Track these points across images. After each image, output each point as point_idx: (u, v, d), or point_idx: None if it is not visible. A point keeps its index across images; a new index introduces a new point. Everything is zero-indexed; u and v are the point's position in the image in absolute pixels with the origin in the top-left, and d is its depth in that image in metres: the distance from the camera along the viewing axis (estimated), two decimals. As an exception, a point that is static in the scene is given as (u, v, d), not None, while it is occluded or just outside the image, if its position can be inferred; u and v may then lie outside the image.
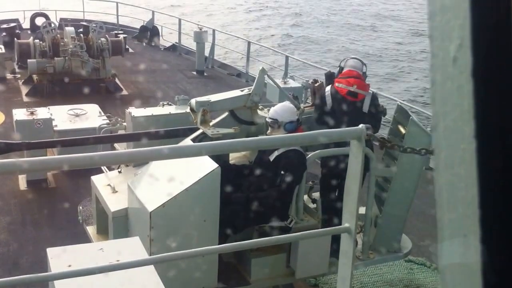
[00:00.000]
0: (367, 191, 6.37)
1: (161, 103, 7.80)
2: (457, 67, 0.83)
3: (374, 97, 7.20)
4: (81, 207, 7.34)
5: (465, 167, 0.84)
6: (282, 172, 5.95)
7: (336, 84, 7.06)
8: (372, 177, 6.42)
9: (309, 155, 6.20)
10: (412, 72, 30.41)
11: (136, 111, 7.36)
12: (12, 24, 20.29)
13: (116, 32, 20.35)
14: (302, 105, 7.20)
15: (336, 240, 5.15)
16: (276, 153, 6.12)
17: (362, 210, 5.95)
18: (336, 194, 6.90)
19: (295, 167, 6.02)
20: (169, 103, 7.83)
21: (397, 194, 6.63)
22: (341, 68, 7.31)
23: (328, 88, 7.13)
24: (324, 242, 6.06)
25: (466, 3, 0.80)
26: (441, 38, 0.85)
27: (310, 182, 6.86)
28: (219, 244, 5.40)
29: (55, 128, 10.15)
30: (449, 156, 0.87)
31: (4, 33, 19.12)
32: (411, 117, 6.39)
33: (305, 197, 6.60)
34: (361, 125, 3.16)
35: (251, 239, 5.51)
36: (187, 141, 6.42)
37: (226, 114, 6.88)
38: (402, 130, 6.61)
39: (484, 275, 0.83)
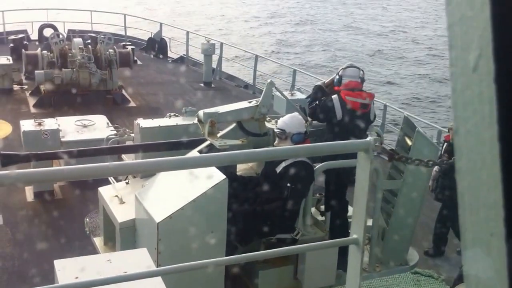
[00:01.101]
0: (374, 204, 6.36)
1: (168, 114, 7.82)
2: (477, 75, 0.84)
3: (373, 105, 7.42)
4: (88, 219, 7.35)
5: (487, 171, 0.85)
6: (288, 184, 5.94)
7: (346, 98, 7.08)
8: (379, 189, 6.40)
9: (317, 167, 6.19)
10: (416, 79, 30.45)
11: (144, 122, 7.38)
12: (20, 35, 20.40)
13: (124, 43, 20.44)
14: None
15: (343, 252, 5.13)
16: (283, 165, 6.11)
17: (368, 222, 5.93)
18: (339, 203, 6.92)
19: (302, 179, 6.01)
20: (176, 114, 7.85)
21: (404, 206, 6.61)
22: (340, 77, 7.32)
23: (336, 99, 7.14)
24: (332, 254, 6.04)
25: (486, 14, 0.81)
26: (461, 48, 0.87)
27: (318, 195, 6.85)
28: (226, 256, 5.39)
29: (62, 139, 10.16)
30: (470, 160, 0.89)
31: (12, 44, 19.20)
32: (417, 129, 6.39)
33: (313, 209, 6.59)
34: (369, 137, 3.16)
35: (258, 251, 5.49)
36: (194, 152, 6.43)
37: (233, 125, 6.89)
38: (409, 142, 6.60)
39: (510, 275, 0.84)
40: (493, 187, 0.84)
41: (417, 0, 61.95)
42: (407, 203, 6.60)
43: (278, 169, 6.14)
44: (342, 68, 7.43)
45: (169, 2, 56.07)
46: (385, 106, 14.23)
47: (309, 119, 7.12)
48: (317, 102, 7.32)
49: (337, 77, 7.34)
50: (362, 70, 7.48)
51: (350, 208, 6.83)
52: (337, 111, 7.06)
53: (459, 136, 0.91)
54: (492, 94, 0.82)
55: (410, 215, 6.66)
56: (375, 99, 7.75)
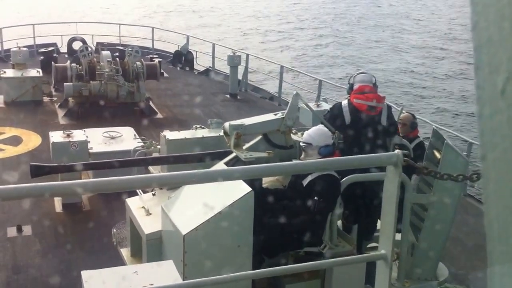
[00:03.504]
0: (403, 218, 6.27)
1: (194, 126, 7.85)
2: (506, 99, 0.81)
3: (389, 109, 7.25)
4: (115, 230, 7.38)
5: None
6: (315, 197, 5.89)
7: (355, 100, 7.04)
8: (408, 203, 6.32)
9: (343, 180, 6.14)
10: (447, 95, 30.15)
11: (171, 134, 7.41)
12: (50, 48, 20.73)
13: (151, 56, 20.62)
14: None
15: (371, 266, 5.07)
16: (309, 178, 6.07)
17: (397, 236, 5.85)
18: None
19: (328, 193, 5.96)
20: (202, 126, 7.87)
21: (435, 221, 6.50)
22: (351, 85, 7.29)
23: (345, 103, 7.11)
24: (359, 269, 5.97)
25: (510, 36, 0.78)
26: (488, 71, 0.84)
27: (344, 208, 6.79)
28: (252, 269, 5.36)
29: (90, 151, 10.25)
30: (499, 188, 0.85)
31: (42, 57, 19.49)
32: (445, 141, 6.30)
33: (340, 222, 6.54)
34: (397, 151, 3.13)
35: (285, 265, 5.45)
36: (221, 165, 6.43)
37: (259, 138, 6.87)
38: (438, 155, 6.51)
39: None
40: None
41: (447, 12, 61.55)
42: (438, 217, 6.49)
43: (305, 182, 6.10)
44: (353, 76, 7.42)
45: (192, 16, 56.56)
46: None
47: (336, 131, 7.08)
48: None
49: (348, 85, 7.33)
50: (374, 76, 7.43)
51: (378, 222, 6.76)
52: (346, 115, 7.00)
53: (486, 162, 0.87)
54: None
55: (441, 230, 6.55)
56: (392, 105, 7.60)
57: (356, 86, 7.19)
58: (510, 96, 0.80)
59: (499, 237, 0.86)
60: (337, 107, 7.17)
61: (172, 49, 23.59)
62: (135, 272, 3.93)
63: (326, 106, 12.60)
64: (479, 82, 0.86)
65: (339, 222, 6.66)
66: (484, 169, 0.87)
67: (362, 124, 6.95)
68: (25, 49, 18.11)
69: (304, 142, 6.30)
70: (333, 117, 7.09)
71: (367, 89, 7.10)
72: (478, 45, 0.84)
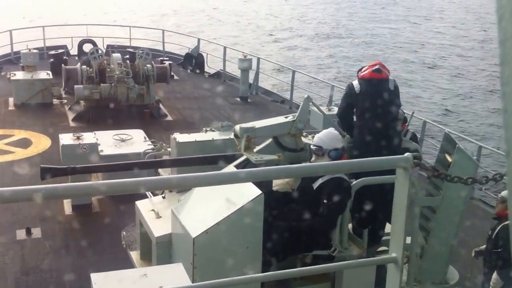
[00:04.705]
0: (412, 221, 6.23)
1: (204, 129, 7.85)
2: None
3: (395, 83, 7.44)
4: (124, 233, 7.38)
5: None
6: (325, 201, 5.87)
7: (361, 73, 7.34)
8: (417, 206, 6.27)
9: (354, 183, 6.11)
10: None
11: (181, 137, 7.41)
12: (60, 50, 20.80)
13: (161, 59, 20.66)
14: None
15: (381, 269, 5.04)
16: (320, 181, 6.04)
17: (407, 240, 5.81)
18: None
19: (339, 196, 5.93)
20: (213, 129, 7.87)
21: (443, 224, 6.47)
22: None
23: (354, 81, 7.37)
24: (369, 272, 5.94)
25: None
26: None
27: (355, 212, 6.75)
28: (261, 271, 5.34)
29: (100, 153, 10.27)
30: None
31: (52, 59, 19.56)
32: (457, 145, 6.27)
33: (350, 226, 6.50)
34: (407, 154, 3.10)
35: (295, 268, 5.43)
36: (231, 168, 6.42)
37: (270, 140, 6.86)
38: (449, 159, 6.48)
39: None
40: None
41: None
42: (446, 220, 6.46)
43: (315, 185, 6.08)
44: (359, 70, 7.66)
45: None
46: (424, 122, 14.06)
47: (346, 134, 7.07)
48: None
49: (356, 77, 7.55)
50: None
51: (388, 225, 6.73)
52: (356, 87, 7.22)
53: (510, 159, 0.85)
54: None
55: (449, 233, 6.52)
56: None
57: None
58: None
59: None
60: (348, 85, 7.46)
61: (182, 51, 23.63)
62: (144, 274, 3.93)
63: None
64: (504, 78, 0.84)
65: (350, 226, 6.62)
66: (508, 164, 0.85)
67: (372, 88, 7.18)
68: (35, 51, 18.18)
69: (314, 145, 6.29)
70: (345, 96, 7.41)
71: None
72: (504, 39, 0.82)
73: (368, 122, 7.01)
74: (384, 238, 6.82)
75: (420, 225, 6.52)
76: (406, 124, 8.12)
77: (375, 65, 7.34)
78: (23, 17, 47.03)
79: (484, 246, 8.18)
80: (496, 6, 0.82)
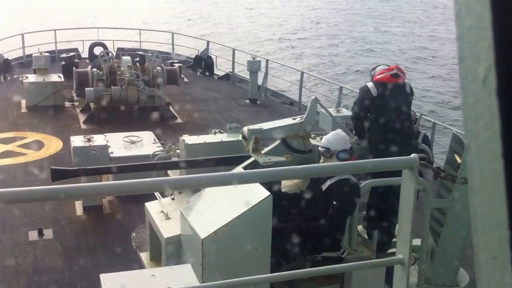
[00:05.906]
0: (422, 223, 6.23)
1: (213, 130, 7.88)
2: (486, 88, 0.82)
3: (411, 86, 7.49)
4: (134, 234, 7.42)
5: (498, 188, 0.82)
6: (334, 202, 5.88)
7: (377, 77, 7.33)
8: (427, 208, 6.28)
9: (362, 184, 6.12)
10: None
11: (190, 139, 7.45)
12: (71, 54, 20.94)
13: (171, 61, 20.72)
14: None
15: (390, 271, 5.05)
16: (328, 182, 6.06)
17: (417, 241, 5.81)
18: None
19: (347, 197, 5.94)
20: (221, 131, 7.90)
21: (454, 225, 6.46)
22: (372, 77, 7.56)
23: (369, 83, 7.39)
24: (378, 273, 5.94)
25: (489, 24, 0.79)
26: (471, 60, 0.85)
27: (364, 212, 6.77)
28: (271, 272, 5.36)
29: (111, 155, 10.33)
30: (482, 177, 0.85)
31: (63, 62, 19.69)
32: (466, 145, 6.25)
33: (360, 227, 6.51)
34: (413, 155, 3.11)
35: (304, 269, 5.44)
36: (239, 169, 6.44)
37: (278, 142, 6.88)
38: (458, 160, 6.48)
39: None
40: (502, 206, 0.81)
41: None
42: (457, 222, 6.45)
43: (324, 186, 6.09)
44: (373, 68, 7.77)
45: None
46: (434, 124, 14.03)
47: (355, 136, 7.09)
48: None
49: (370, 77, 7.60)
50: None
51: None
52: (372, 90, 7.26)
53: (471, 152, 0.88)
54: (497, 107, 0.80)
55: (460, 235, 6.50)
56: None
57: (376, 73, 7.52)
58: (491, 85, 0.81)
59: (483, 227, 0.87)
60: (363, 88, 7.48)
61: (192, 54, 23.70)
62: (153, 275, 3.96)
63: (346, 112, 12.58)
64: (462, 72, 0.86)
65: (360, 227, 6.63)
66: (468, 158, 0.88)
67: (389, 92, 7.22)
68: (46, 54, 18.29)
69: (322, 147, 6.30)
70: (360, 99, 7.41)
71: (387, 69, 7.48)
72: (461, 34, 0.85)
73: (385, 126, 7.02)
74: (394, 240, 6.82)
75: (430, 227, 6.52)
76: (415, 125, 8.13)
77: (392, 69, 7.36)
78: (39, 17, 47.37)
79: None
80: (454, 2, 0.85)
